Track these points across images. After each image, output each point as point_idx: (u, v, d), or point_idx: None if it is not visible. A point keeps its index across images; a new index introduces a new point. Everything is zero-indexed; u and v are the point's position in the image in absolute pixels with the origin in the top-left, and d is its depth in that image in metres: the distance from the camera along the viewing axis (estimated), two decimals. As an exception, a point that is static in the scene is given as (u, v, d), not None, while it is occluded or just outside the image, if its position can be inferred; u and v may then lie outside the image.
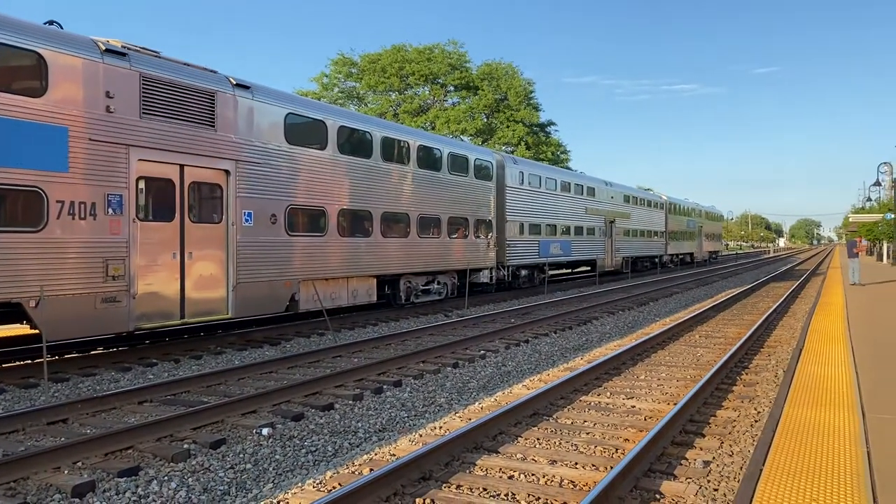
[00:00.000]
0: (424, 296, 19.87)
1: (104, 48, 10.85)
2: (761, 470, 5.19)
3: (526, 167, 26.77)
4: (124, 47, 11.36)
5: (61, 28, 11.06)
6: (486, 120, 51.29)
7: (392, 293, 18.63)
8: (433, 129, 47.99)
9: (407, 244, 18.21)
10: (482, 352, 12.57)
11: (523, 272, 26.36)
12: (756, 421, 7.79)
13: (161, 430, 7.22)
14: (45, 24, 10.83)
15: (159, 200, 11.73)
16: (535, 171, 27.39)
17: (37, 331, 10.18)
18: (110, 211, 10.78)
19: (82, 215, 10.39)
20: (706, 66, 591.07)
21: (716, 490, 5.67)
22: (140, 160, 11.26)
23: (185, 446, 6.89)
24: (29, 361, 11.20)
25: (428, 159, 19.33)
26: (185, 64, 12.45)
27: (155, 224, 11.57)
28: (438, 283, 20.48)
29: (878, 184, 50.60)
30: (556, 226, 28.32)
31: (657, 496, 5.57)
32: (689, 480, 5.91)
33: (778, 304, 20.32)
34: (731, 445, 6.91)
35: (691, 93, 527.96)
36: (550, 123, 55.87)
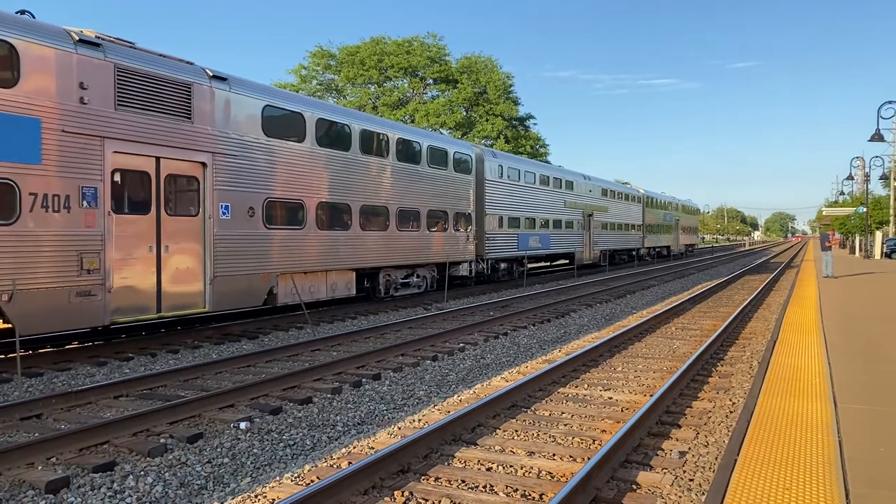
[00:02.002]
0: (404, 289, 19.86)
1: (77, 38, 10.69)
2: (736, 460, 5.26)
3: (505, 161, 26.81)
4: (98, 38, 11.19)
5: (34, 17, 10.87)
6: (465, 113, 51.24)
7: (371, 286, 18.60)
8: (412, 122, 47.88)
9: (386, 237, 18.18)
10: (461, 344, 12.60)
11: (502, 265, 26.44)
12: (731, 412, 7.89)
13: (137, 425, 7.16)
14: (16, 13, 10.63)
15: (135, 193, 11.59)
16: (514, 165, 27.44)
17: (9, 325, 10.02)
18: (85, 203, 10.63)
19: (56, 208, 10.24)
20: (684, 61, 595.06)
21: (691, 480, 5.74)
22: (115, 152, 11.12)
23: (162, 441, 6.84)
24: (2, 356, 11.03)
25: (407, 152, 19.29)
26: (160, 55, 12.30)
27: (130, 217, 11.44)
28: (418, 276, 20.48)
29: (850, 178, 51.26)
30: (534, 219, 28.41)
31: (633, 487, 5.63)
32: (665, 471, 5.97)
33: (753, 296, 20.56)
34: (706, 436, 7.00)
35: (669, 87, 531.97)
36: (529, 117, 56.08)
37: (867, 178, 51.72)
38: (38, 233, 10.03)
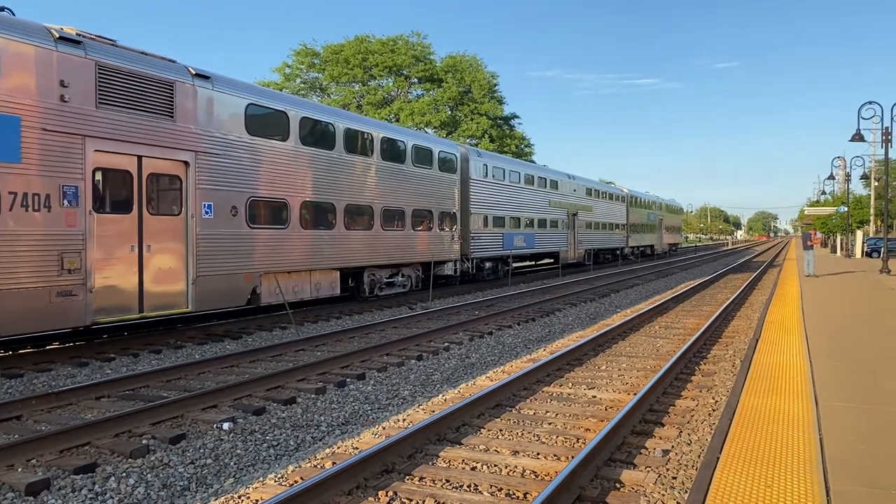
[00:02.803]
0: (388, 288, 19.83)
1: (58, 36, 10.57)
2: (718, 458, 5.30)
3: (490, 160, 26.84)
4: (79, 35, 11.08)
5: (13, 14, 10.74)
6: (450, 112, 51.25)
7: (356, 286, 18.55)
8: (397, 121, 47.81)
9: (371, 237, 18.14)
10: (446, 344, 12.60)
11: (487, 265, 26.47)
12: (714, 410, 7.95)
13: (119, 426, 7.09)
14: (-5, 10, 10.51)
15: (117, 192, 11.49)
16: (499, 164, 27.48)
17: (-11, 326, 9.90)
18: (65, 203, 10.52)
19: (36, 207, 10.13)
20: (667, 61, 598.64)
21: (674, 478, 5.77)
22: (96, 151, 11.01)
23: (144, 442, 6.79)
24: (-19, 357, 10.90)
25: (392, 151, 19.26)
26: (142, 53, 12.19)
27: (112, 216, 11.34)
28: (402, 275, 20.45)
29: (832, 178, 51.82)
30: (519, 218, 28.46)
31: (617, 485, 5.65)
32: (648, 469, 6.00)
33: (736, 295, 20.72)
34: (689, 434, 7.04)
35: (653, 87, 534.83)
36: (514, 116, 56.20)
37: (848, 177, 52.28)
38: (18, 232, 9.91)
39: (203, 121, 12.96)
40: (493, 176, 26.42)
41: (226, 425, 7.37)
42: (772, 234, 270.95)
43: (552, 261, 35.00)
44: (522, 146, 55.89)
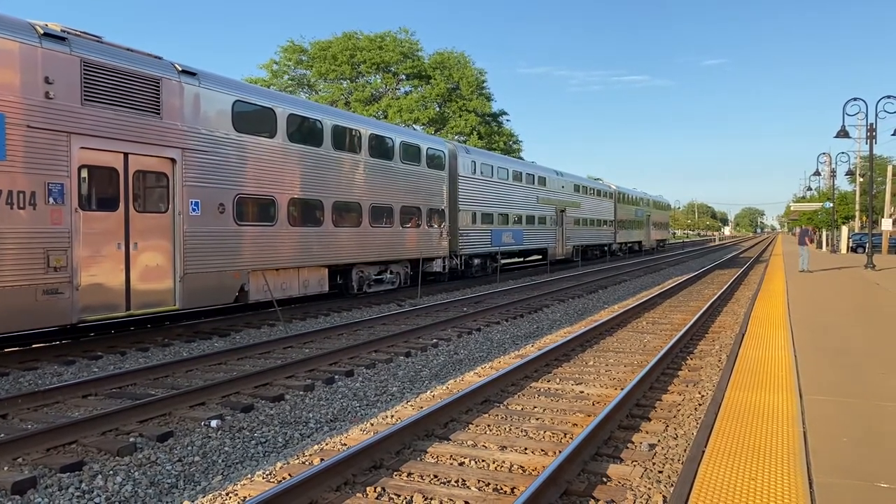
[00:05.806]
0: (377, 285, 19.83)
1: (42, 32, 10.50)
2: (704, 451, 5.34)
3: (478, 156, 26.86)
4: (64, 31, 11.00)
5: (-4, 10, 10.66)
6: (438, 109, 51.21)
7: (344, 283, 18.54)
8: (385, 118, 47.75)
9: (359, 233, 18.12)
10: (434, 340, 12.62)
11: (476, 261, 26.51)
12: (700, 404, 8.01)
13: (106, 424, 7.07)
14: (-22, 5, 10.41)
15: (103, 189, 11.43)
16: (488, 161, 27.51)
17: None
18: (51, 200, 10.46)
19: (21, 205, 10.06)
20: (655, 59, 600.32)
21: (660, 472, 5.82)
22: (82, 148, 10.94)
23: (131, 440, 6.77)
24: (-34, 356, 10.82)
25: (380, 148, 19.24)
26: (128, 49, 12.13)
27: (98, 214, 11.28)
28: (391, 272, 20.45)
29: (817, 173, 52.30)
30: (508, 215, 28.52)
31: (604, 479, 5.69)
32: (634, 463, 6.04)
33: (722, 290, 20.85)
34: (675, 429, 7.09)
35: (641, 84, 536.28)
36: (502, 113, 56.21)
37: (833, 173, 52.69)
38: (3, 230, 9.84)
39: (190, 118, 12.90)
40: (482, 172, 26.45)
41: (214, 423, 7.36)
42: (758, 230, 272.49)
43: (540, 257, 35.09)
44: (511, 143, 55.94)
